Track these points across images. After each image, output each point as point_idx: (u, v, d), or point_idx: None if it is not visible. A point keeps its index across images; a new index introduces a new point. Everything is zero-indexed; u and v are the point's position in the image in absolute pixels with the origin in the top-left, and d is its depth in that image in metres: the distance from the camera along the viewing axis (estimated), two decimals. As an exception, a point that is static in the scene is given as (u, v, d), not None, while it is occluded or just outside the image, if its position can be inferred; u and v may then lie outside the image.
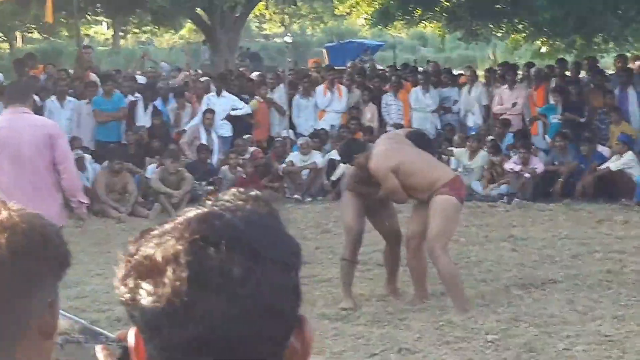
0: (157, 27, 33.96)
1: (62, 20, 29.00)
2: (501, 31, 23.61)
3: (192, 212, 1.35)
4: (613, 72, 19.71)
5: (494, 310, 8.80)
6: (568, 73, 19.29)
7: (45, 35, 39.06)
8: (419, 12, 22.83)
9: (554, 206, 14.99)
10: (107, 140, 17.08)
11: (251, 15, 35.29)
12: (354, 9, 25.65)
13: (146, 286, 1.31)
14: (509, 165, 16.05)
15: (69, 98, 17.48)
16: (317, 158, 16.81)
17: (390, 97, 18.66)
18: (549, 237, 12.51)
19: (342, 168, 16.21)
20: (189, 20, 31.06)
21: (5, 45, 41.83)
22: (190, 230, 1.31)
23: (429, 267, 9.19)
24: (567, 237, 12.46)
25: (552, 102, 17.71)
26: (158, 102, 18.28)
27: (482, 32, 23.37)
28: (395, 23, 24.65)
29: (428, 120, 18.22)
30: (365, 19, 24.66)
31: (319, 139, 17.37)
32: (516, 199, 15.55)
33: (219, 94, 18.16)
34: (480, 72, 21.54)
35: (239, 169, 16.48)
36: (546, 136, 17.44)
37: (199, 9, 27.65)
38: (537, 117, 17.83)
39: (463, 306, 8.75)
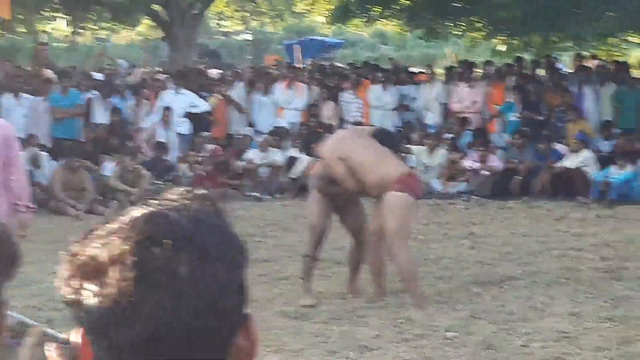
0: (115, 23, 33.72)
1: (19, 16, 28.72)
2: (460, 29, 23.69)
3: (137, 211, 1.34)
4: (572, 70, 19.84)
5: (452, 308, 8.82)
6: (526, 71, 19.40)
7: (1, 32, 38.69)
8: (379, 10, 22.85)
9: (513, 204, 15.07)
10: (64, 137, 16.95)
11: (211, 13, 35.17)
12: (313, 7, 25.63)
13: (91, 287, 1.30)
14: (467, 163, 16.12)
15: (25, 95, 17.33)
16: (277, 156, 16.78)
17: (350, 94, 18.66)
18: (507, 234, 12.57)
19: (302, 166, 16.22)
20: (147, 17, 30.85)
21: (-38, 42, 41.39)
22: (136, 230, 1.30)
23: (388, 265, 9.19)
24: (525, 234, 12.53)
25: (510, 100, 17.80)
26: (116, 100, 18.18)
27: (441, 30, 23.43)
28: (355, 21, 24.67)
29: (387, 118, 18.24)
30: (326, 16, 24.66)
31: (279, 136, 17.34)
32: (475, 197, 15.61)
33: (177, 91, 18.09)
34: (440, 71, 21.62)
35: (198, 166, 16.42)
36: (504, 134, 17.53)
37: (157, 6, 27.50)
38: (495, 115, 17.92)
39: (421, 304, 8.76)
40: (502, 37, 23.22)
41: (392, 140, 9.62)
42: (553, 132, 16.84)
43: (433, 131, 17.60)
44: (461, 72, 18.96)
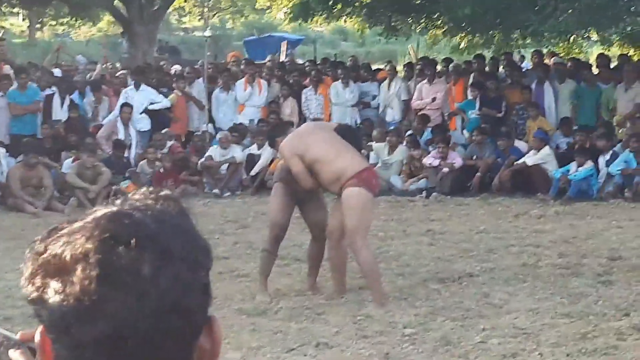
0: (74, 19, 33.53)
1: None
2: (420, 26, 23.70)
3: (101, 211, 1.34)
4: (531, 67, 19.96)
5: (411, 304, 8.84)
6: (486, 68, 19.47)
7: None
8: (339, 6, 22.83)
9: (472, 200, 15.13)
10: (22, 133, 16.81)
11: (171, 8, 35.02)
12: (273, 3, 25.57)
13: (54, 285, 1.30)
14: (427, 160, 16.16)
15: (-18, 91, 17.18)
16: (237, 152, 16.73)
17: (310, 91, 18.66)
18: (466, 231, 12.61)
19: (261, 162, 16.21)
20: (107, 13, 30.69)
21: None
22: (100, 229, 1.30)
23: (348, 262, 9.20)
24: (484, 231, 12.58)
25: (470, 97, 17.86)
26: (75, 96, 18.07)
27: (401, 27, 23.44)
28: (315, 17, 24.64)
29: (348, 115, 18.25)
30: (285, 12, 24.60)
31: (239, 133, 17.30)
32: (434, 194, 15.66)
33: (137, 87, 18.00)
34: (400, 68, 21.66)
35: (157, 163, 16.34)
36: (464, 131, 17.60)
37: (117, 1, 27.36)
38: (455, 112, 17.99)
39: (381, 300, 8.78)
40: (462, 34, 23.27)
41: (354, 137, 9.63)
42: (513, 129, 16.93)
43: (393, 128, 17.63)
44: (421, 69, 19.00)
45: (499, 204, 14.75)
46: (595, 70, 18.67)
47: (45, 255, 1.32)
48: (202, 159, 16.68)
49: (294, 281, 9.72)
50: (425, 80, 18.36)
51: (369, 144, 16.70)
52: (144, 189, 1.41)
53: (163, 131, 17.28)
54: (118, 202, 1.37)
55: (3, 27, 36.39)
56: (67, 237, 1.31)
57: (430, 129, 17.35)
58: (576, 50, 24.04)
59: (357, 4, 22.34)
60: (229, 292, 9.15)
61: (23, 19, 43.35)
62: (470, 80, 18.36)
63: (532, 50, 21.38)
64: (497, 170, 15.84)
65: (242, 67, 20.12)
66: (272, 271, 9.42)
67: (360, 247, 8.77)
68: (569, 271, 10.10)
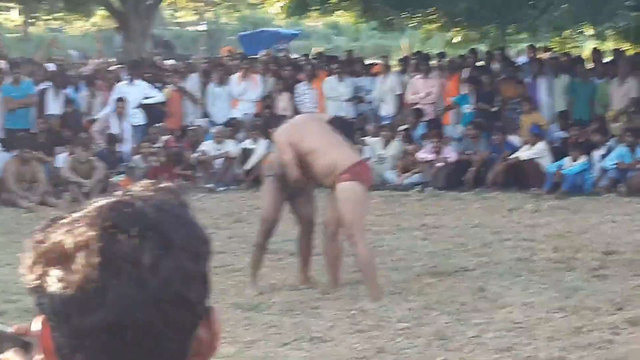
0: (68, 13, 33.46)
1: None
2: (415, 21, 23.70)
3: (102, 201, 1.34)
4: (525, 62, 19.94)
5: (405, 299, 8.85)
6: (480, 63, 19.46)
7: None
8: (334, 1, 22.83)
9: (466, 195, 15.14)
10: (16, 127, 16.79)
11: (164, 3, 34.97)
12: (267, -1, 25.54)
13: (56, 273, 1.29)
14: (421, 155, 16.16)
15: (-24, 86, 17.16)
16: (231, 147, 16.73)
17: (305, 86, 18.64)
18: (460, 225, 12.62)
19: (256, 157, 16.20)
20: (102, 7, 30.61)
21: None
22: (102, 218, 1.30)
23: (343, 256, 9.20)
24: (479, 225, 12.58)
25: (464, 91, 17.86)
26: (69, 90, 18.04)
27: (396, 21, 23.43)
28: (310, 12, 24.63)
29: (342, 110, 18.23)
30: (280, 7, 24.57)
31: (233, 127, 17.30)
32: (429, 188, 15.66)
33: (131, 82, 17.99)
34: (395, 62, 21.64)
35: (152, 157, 16.33)
36: (459, 125, 17.60)
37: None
38: (449, 107, 17.98)
39: (376, 294, 8.78)
40: (457, 29, 23.26)
41: (347, 129, 9.65)
42: (507, 124, 16.93)
43: (387, 122, 17.63)
44: (416, 63, 18.99)
45: (493, 199, 14.76)
46: (589, 65, 18.67)
47: (46, 244, 1.32)
48: (197, 154, 16.68)
49: (288, 275, 9.72)
50: (420, 75, 18.35)
51: (363, 138, 16.71)
52: (142, 182, 1.41)
53: (157, 126, 17.27)
54: (118, 193, 1.37)
55: (-3, 22, 36.32)
56: (68, 225, 1.31)
57: (424, 123, 17.34)
58: (569, 45, 24.04)
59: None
60: (223, 286, 9.14)
61: (17, 14, 43.27)
62: (465, 75, 18.36)
63: (527, 45, 21.37)
64: (491, 164, 15.85)
65: (236, 61, 20.10)
66: (266, 265, 9.43)
67: (358, 241, 8.79)
68: (563, 265, 10.11)
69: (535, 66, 18.23)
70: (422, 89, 18.15)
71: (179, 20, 48.41)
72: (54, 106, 17.58)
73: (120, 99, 17.34)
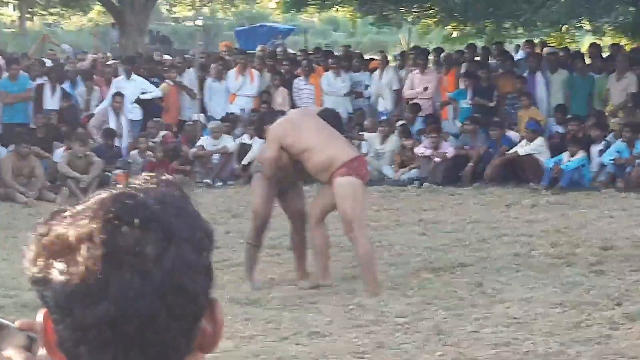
0: (65, 9, 33.45)
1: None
2: (412, 16, 23.68)
3: (104, 193, 1.35)
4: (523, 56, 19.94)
5: (403, 294, 8.85)
6: (478, 58, 19.45)
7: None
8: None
9: (464, 190, 15.13)
10: (14, 122, 16.78)
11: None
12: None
13: (59, 265, 1.29)
14: (419, 150, 16.15)
15: (-27, 80, 17.14)
16: (228, 142, 16.72)
17: (302, 81, 18.62)
18: (458, 220, 12.61)
19: (253, 152, 16.18)
20: (98, 2, 30.58)
21: None
22: (104, 210, 1.30)
23: (339, 251, 9.19)
24: (477, 220, 12.57)
25: (462, 86, 17.85)
26: (67, 85, 18.02)
27: (393, 16, 23.42)
28: (308, 8, 24.64)
29: (340, 105, 18.16)
30: (277, 2, 24.59)
31: (230, 122, 17.28)
32: (426, 183, 15.65)
33: (128, 77, 17.97)
34: (392, 57, 21.63)
35: (149, 152, 16.32)
36: (456, 121, 17.58)
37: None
38: (447, 102, 17.97)
39: (374, 289, 8.77)
40: (455, 24, 23.25)
41: (336, 120, 9.62)
42: (504, 119, 16.92)
43: (385, 118, 17.62)
44: (413, 58, 18.97)
45: (491, 194, 14.74)
46: (587, 60, 18.66)
47: (49, 237, 1.32)
48: (194, 149, 16.67)
49: (286, 270, 9.71)
50: (417, 70, 18.33)
51: (361, 133, 16.69)
52: (145, 175, 1.41)
53: (154, 121, 17.25)
54: (120, 186, 1.37)
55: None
56: (71, 218, 1.32)
57: (422, 118, 17.33)
58: (568, 40, 24.04)
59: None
60: (221, 281, 9.12)
61: (13, 9, 43.22)
62: (462, 70, 18.34)
63: (524, 40, 21.37)
64: (489, 159, 15.83)
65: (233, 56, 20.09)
66: (263, 261, 9.43)
67: (360, 236, 8.78)
68: (561, 260, 10.10)
69: (533, 61, 18.21)
70: (419, 84, 18.13)
71: (175, 15, 48.38)
72: (51, 101, 17.55)
73: (117, 94, 17.32)
